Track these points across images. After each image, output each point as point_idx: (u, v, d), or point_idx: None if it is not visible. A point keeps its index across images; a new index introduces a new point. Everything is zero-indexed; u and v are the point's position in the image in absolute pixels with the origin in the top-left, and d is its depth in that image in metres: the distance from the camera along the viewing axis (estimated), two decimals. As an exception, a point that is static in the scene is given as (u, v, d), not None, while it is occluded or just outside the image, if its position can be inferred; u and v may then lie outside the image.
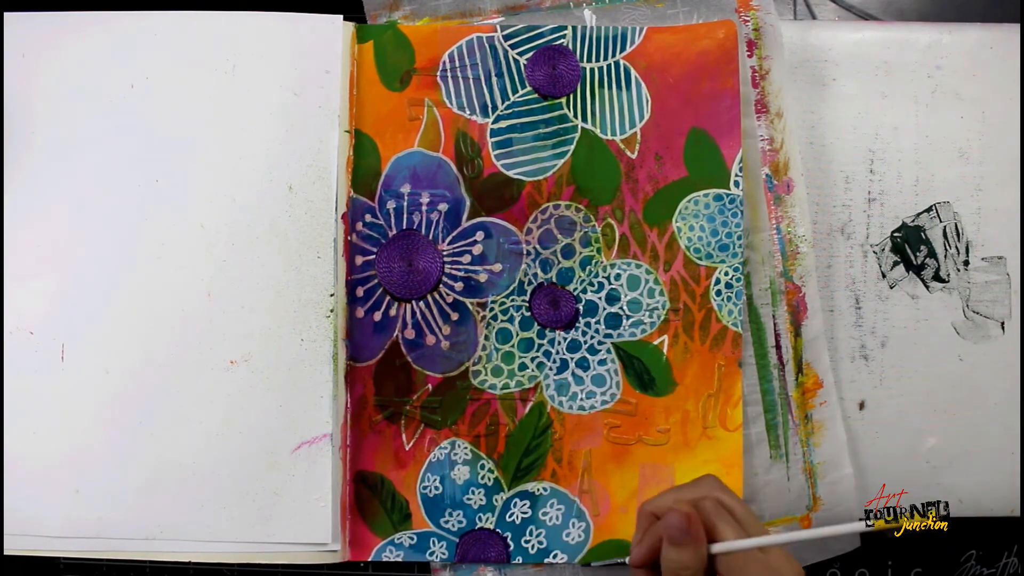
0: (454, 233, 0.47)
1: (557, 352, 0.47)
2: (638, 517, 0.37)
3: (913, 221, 0.49)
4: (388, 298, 0.47)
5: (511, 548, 0.47)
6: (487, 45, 0.48)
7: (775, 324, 0.48)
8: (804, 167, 0.48)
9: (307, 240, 0.46)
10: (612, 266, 0.47)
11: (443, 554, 0.47)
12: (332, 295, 0.46)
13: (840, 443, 0.47)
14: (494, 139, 0.48)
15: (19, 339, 0.46)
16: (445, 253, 0.47)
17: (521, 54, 0.48)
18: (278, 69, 0.47)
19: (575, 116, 0.48)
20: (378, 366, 0.47)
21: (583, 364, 0.47)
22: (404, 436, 0.47)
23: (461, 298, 0.47)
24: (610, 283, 0.47)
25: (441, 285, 0.47)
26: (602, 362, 0.47)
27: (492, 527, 0.47)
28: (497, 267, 0.47)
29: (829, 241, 0.49)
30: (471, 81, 0.48)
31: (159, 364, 0.46)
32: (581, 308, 0.47)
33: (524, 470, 0.47)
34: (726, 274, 0.47)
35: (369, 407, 0.47)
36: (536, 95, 0.48)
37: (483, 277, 0.47)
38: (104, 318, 0.46)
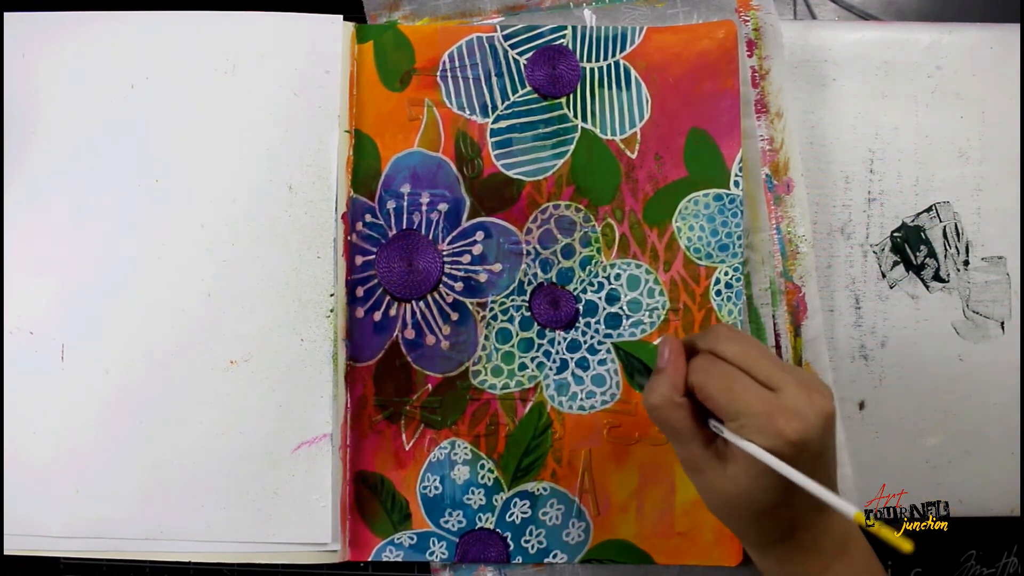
0: (454, 233, 0.47)
1: (557, 352, 0.47)
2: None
3: (913, 221, 0.49)
4: (388, 298, 0.47)
5: (511, 548, 0.47)
6: (487, 45, 0.48)
7: (775, 324, 0.48)
8: (804, 167, 0.48)
9: (307, 240, 0.46)
10: (612, 266, 0.47)
11: (443, 554, 0.47)
12: (332, 295, 0.46)
13: (840, 443, 0.47)
14: (494, 139, 0.48)
15: (19, 339, 0.46)
16: (445, 253, 0.47)
17: (521, 54, 0.48)
18: (278, 69, 0.47)
19: (575, 116, 0.48)
20: (378, 366, 0.47)
21: (583, 364, 0.47)
22: (404, 436, 0.47)
23: (461, 298, 0.47)
24: (610, 283, 0.47)
25: (441, 285, 0.47)
26: (602, 362, 0.47)
27: (492, 527, 0.47)
28: (497, 267, 0.47)
29: (829, 241, 0.49)
30: (471, 81, 0.48)
31: (159, 364, 0.46)
32: (581, 308, 0.47)
33: (524, 470, 0.47)
34: (726, 274, 0.47)
35: (369, 407, 0.47)
36: (536, 95, 0.48)
37: (483, 277, 0.47)
38: (104, 318, 0.46)
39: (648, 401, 0.34)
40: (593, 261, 0.47)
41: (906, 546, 0.27)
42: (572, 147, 0.47)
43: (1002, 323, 0.49)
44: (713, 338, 0.34)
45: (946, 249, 0.49)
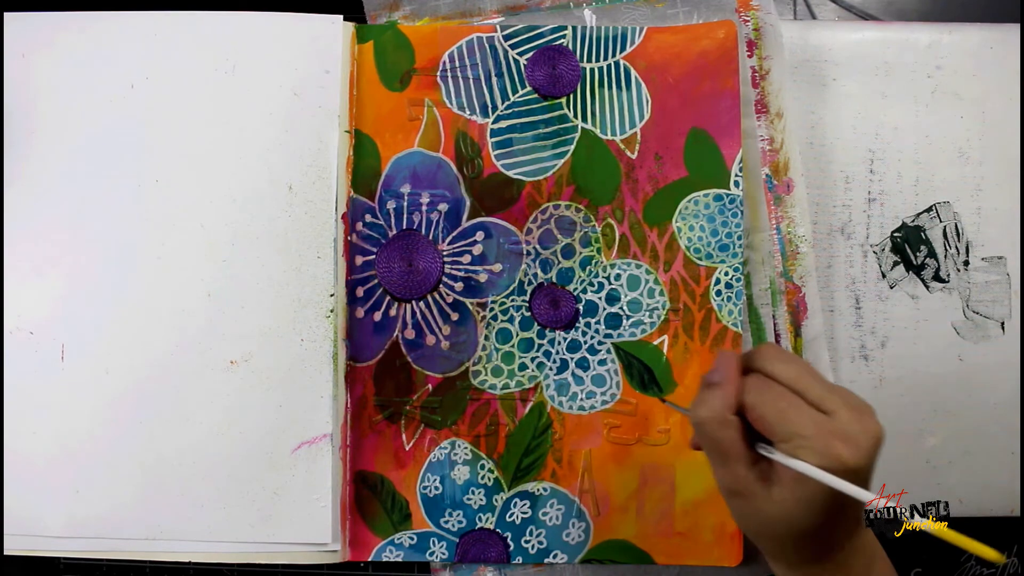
0: (454, 233, 0.47)
1: (557, 352, 0.47)
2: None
3: (913, 221, 0.49)
4: (388, 298, 0.47)
5: (511, 548, 0.47)
6: (487, 45, 0.48)
7: (775, 324, 0.48)
8: (804, 167, 0.48)
9: (307, 240, 0.46)
10: (612, 266, 0.47)
11: (443, 554, 0.47)
12: (332, 295, 0.46)
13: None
14: (494, 139, 0.48)
15: (19, 339, 0.46)
16: (445, 253, 0.47)
17: (521, 54, 0.48)
18: (278, 69, 0.47)
19: (575, 116, 0.48)
20: (378, 366, 0.47)
21: (583, 364, 0.47)
22: (404, 436, 0.47)
23: (461, 298, 0.47)
24: (610, 283, 0.47)
25: (441, 285, 0.47)
26: (602, 362, 0.47)
27: (492, 527, 0.47)
28: (497, 267, 0.47)
29: (829, 241, 0.49)
30: (471, 81, 0.48)
31: (159, 364, 0.46)
32: (581, 308, 0.47)
33: (524, 470, 0.47)
34: (726, 274, 0.47)
35: (369, 407, 0.47)
36: (536, 95, 0.48)
37: (483, 277, 0.47)
38: (104, 318, 0.46)
39: (698, 416, 0.33)
40: (593, 261, 0.47)
41: (993, 555, 0.28)
42: (572, 147, 0.47)
43: (1002, 323, 0.49)
44: (763, 358, 0.34)
45: (946, 249, 0.49)
